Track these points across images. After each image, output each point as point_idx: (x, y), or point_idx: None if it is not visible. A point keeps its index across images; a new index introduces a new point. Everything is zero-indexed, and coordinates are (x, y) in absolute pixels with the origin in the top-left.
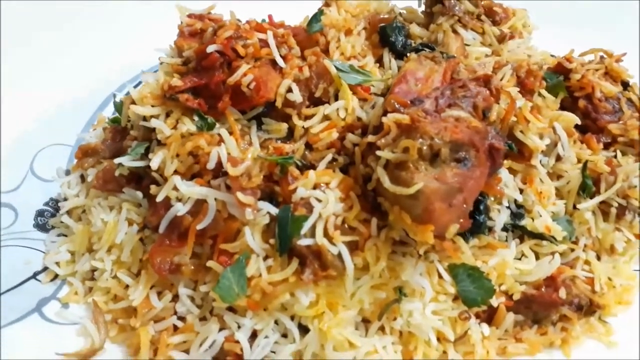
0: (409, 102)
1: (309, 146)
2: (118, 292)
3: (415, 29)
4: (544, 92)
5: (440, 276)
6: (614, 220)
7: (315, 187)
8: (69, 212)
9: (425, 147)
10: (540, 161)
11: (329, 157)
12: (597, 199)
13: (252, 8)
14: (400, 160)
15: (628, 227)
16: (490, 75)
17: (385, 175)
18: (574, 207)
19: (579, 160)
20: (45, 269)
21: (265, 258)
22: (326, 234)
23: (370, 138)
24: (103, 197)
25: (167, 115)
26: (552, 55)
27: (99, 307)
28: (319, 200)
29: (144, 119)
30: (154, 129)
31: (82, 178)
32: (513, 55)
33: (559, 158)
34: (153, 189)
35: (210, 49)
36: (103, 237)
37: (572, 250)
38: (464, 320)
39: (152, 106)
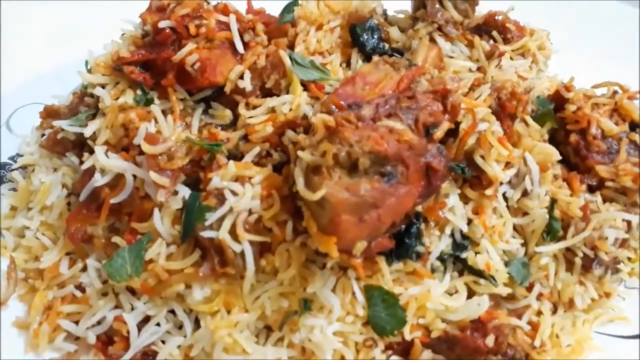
0: (345, 105)
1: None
2: (38, 253)
3: (394, 33)
4: (529, 119)
5: (354, 295)
6: (579, 272)
7: (237, 179)
8: (22, 168)
9: (343, 154)
10: (505, 193)
11: (257, 149)
12: (559, 244)
13: None
14: (316, 164)
15: (596, 283)
16: (447, 90)
17: (302, 177)
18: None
19: (554, 200)
20: None
21: (171, 244)
22: (234, 230)
23: (300, 137)
24: (50, 158)
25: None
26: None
27: (14, 264)
28: (235, 194)
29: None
30: None
31: (43, 137)
32: (501, 75)
33: (526, 193)
34: (85, 156)
35: (163, 24)
36: (37, 196)
37: (526, 297)
38: (368, 348)
39: (103, 75)
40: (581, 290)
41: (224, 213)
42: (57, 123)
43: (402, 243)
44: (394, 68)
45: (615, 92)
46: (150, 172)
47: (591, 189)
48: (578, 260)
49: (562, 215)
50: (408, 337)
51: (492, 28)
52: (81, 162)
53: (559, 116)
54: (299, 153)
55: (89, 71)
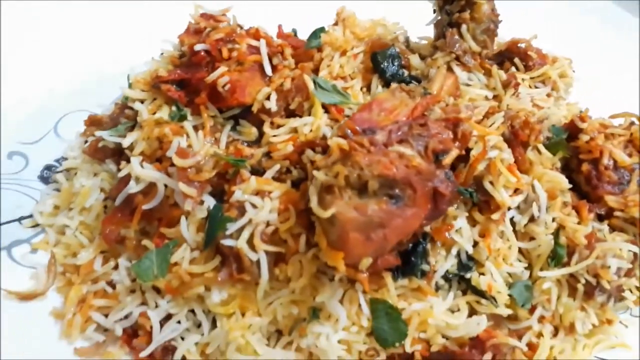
0: (360, 130)
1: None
2: (76, 250)
3: (414, 60)
4: (541, 147)
5: (360, 307)
6: (581, 298)
7: (258, 193)
8: (66, 171)
9: (354, 176)
10: (513, 218)
11: (277, 166)
12: (562, 270)
13: (279, 13)
14: (329, 184)
15: (599, 310)
16: (459, 119)
17: (315, 195)
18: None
19: (560, 227)
20: (30, 215)
21: (195, 249)
22: (252, 240)
23: (317, 157)
24: (91, 163)
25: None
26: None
27: (54, 258)
28: (255, 206)
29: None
30: None
31: (86, 143)
32: (516, 104)
33: (533, 219)
34: (122, 164)
35: (198, 47)
36: (77, 198)
37: (527, 318)
38: (370, 357)
39: (143, 90)
40: (582, 316)
41: (243, 224)
42: (98, 133)
43: (409, 261)
44: (409, 96)
45: (632, 123)
46: (180, 182)
47: (600, 218)
48: (580, 287)
49: (568, 242)
50: (409, 350)
51: (515, 55)
52: (119, 169)
53: (572, 145)
54: (314, 172)
55: (130, 86)
